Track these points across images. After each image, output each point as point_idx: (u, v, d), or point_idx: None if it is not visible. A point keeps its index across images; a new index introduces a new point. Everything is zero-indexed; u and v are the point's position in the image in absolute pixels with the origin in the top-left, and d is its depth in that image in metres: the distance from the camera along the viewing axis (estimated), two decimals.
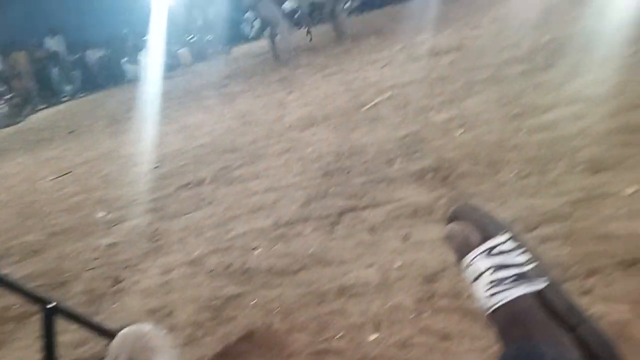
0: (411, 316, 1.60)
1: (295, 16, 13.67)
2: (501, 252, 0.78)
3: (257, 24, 14.62)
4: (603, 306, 1.38)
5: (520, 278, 0.75)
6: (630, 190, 1.86)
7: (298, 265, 2.12)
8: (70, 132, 8.20)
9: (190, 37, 15.18)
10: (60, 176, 5.15)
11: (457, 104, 3.52)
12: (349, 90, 4.99)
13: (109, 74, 15.40)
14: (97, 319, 1.86)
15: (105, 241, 3.05)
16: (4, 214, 4.42)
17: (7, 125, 12.03)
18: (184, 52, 14.80)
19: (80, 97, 14.33)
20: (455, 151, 2.74)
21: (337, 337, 1.62)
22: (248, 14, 14.99)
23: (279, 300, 1.92)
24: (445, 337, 1.48)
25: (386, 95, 4.33)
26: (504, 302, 0.74)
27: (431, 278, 1.75)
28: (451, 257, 0.87)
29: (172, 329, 1.91)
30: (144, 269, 2.55)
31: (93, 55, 15.91)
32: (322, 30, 9.60)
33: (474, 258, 0.79)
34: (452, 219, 0.85)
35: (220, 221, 2.83)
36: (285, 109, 5.08)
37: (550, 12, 5.42)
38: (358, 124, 3.81)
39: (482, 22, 6.36)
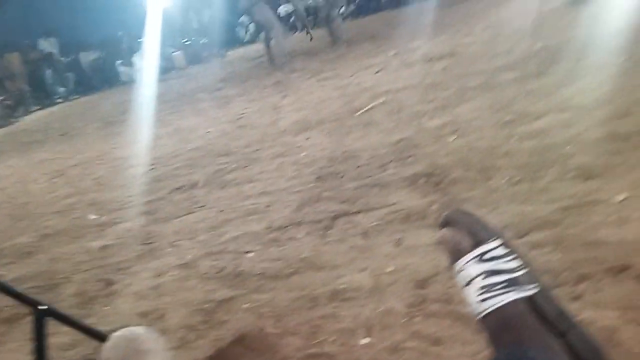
0: (403, 321, 1.61)
1: (291, 20, 13.71)
2: (493, 258, 0.78)
3: (252, 27, 14.62)
4: (593, 312, 1.39)
5: (511, 284, 0.76)
6: (619, 198, 1.88)
7: (291, 269, 2.13)
8: (63, 134, 8.17)
9: (185, 39, 15.16)
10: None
11: (450, 110, 3.54)
12: (343, 95, 5.00)
13: (103, 76, 15.33)
14: (89, 321, 1.86)
15: (98, 244, 3.04)
16: None
17: (0, 127, 11.95)
18: (178, 55, 14.76)
19: (74, 99, 14.26)
20: (448, 157, 2.76)
21: (329, 341, 1.63)
22: (243, 18, 14.99)
23: (272, 304, 1.92)
24: (437, 341, 1.49)
25: (380, 100, 4.35)
26: (495, 307, 0.75)
27: (423, 283, 1.76)
28: (443, 262, 0.88)
29: (164, 332, 1.91)
30: (137, 272, 2.54)
31: (87, 57, 15.84)
32: (317, 35, 9.61)
33: (466, 263, 0.80)
34: (444, 224, 0.85)
35: (214, 224, 2.83)
36: (280, 113, 5.09)
37: (543, 19, 5.47)
38: (352, 128, 3.83)
39: (475, 29, 6.39)
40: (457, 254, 0.81)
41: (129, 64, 14.66)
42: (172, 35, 14.61)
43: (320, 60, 7.79)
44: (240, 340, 1.76)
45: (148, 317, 2.08)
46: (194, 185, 3.60)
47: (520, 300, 0.75)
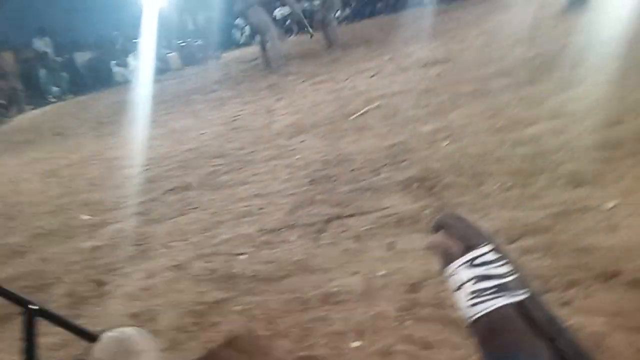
0: (393, 324, 1.62)
1: (286, 23, 13.73)
2: (483, 263, 0.79)
3: (247, 30, 14.62)
4: (582, 318, 1.41)
5: (501, 289, 0.76)
6: (609, 205, 1.90)
7: (283, 272, 2.13)
8: (56, 134, 8.13)
9: (180, 41, 15.14)
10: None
11: (444, 115, 3.56)
12: (338, 98, 5.01)
13: (97, 76, 15.28)
14: (80, 322, 1.84)
15: (90, 244, 3.03)
16: None
17: None
18: (173, 56, 14.75)
19: (68, 99, 14.19)
20: (440, 162, 2.77)
21: (320, 344, 1.63)
22: (239, 20, 14.98)
23: (263, 307, 1.92)
24: (427, 345, 1.49)
25: (374, 104, 4.36)
26: (484, 312, 0.76)
27: (414, 287, 1.77)
28: (435, 266, 0.89)
29: (155, 333, 1.90)
30: (128, 273, 2.54)
31: (82, 57, 15.79)
32: (312, 39, 9.63)
33: (457, 268, 0.80)
34: (436, 228, 0.86)
35: (206, 226, 2.83)
36: (274, 116, 5.09)
37: (537, 27, 5.51)
38: (346, 132, 3.84)
39: (469, 35, 6.43)
40: (448, 259, 0.82)
41: (123, 64, 14.63)
42: (167, 37, 14.59)
43: (315, 63, 7.80)
44: (232, 343, 1.76)
45: (139, 318, 2.07)
46: (187, 187, 3.59)
47: (510, 305, 0.75)
